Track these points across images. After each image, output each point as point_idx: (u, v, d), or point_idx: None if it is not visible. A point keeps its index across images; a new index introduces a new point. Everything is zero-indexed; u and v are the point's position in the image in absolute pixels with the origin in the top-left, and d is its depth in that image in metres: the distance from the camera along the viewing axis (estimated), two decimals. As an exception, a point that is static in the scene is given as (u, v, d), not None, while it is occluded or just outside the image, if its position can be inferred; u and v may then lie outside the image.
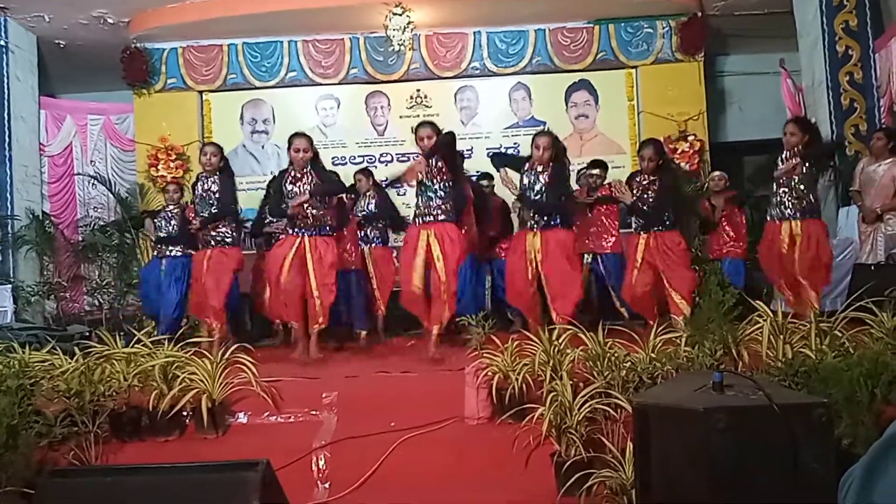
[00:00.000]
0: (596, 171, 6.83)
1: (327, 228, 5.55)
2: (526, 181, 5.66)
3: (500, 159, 6.14)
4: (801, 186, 5.43)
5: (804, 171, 5.43)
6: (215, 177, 5.81)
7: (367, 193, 6.76)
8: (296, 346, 5.67)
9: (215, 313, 5.67)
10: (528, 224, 5.73)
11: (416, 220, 5.41)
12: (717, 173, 7.29)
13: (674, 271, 5.57)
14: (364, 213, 6.65)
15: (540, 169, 5.60)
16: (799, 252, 5.37)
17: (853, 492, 1.00)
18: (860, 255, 6.30)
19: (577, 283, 5.68)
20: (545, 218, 5.58)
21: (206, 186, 5.80)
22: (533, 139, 5.67)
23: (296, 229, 5.46)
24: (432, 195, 5.31)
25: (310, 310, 5.45)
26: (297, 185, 5.46)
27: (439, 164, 5.32)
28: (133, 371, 4.12)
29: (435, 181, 5.32)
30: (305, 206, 5.37)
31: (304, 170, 5.45)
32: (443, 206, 5.31)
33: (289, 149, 5.53)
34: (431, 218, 5.31)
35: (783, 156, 5.49)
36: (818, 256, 5.40)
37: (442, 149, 5.28)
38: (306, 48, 8.72)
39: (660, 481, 2.41)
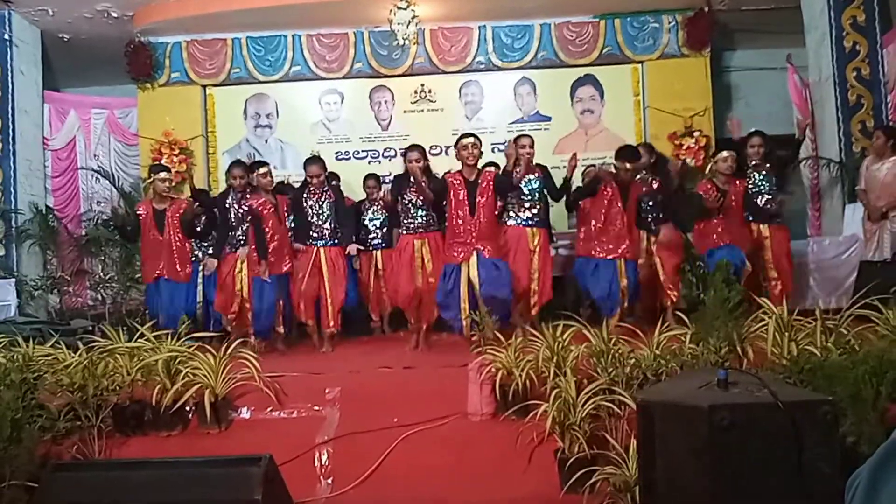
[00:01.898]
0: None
1: (337, 240, 6.18)
2: (527, 186, 5.97)
3: (503, 188, 5.90)
4: (768, 192, 6.01)
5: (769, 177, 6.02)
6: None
7: (378, 200, 6.95)
8: (311, 340, 6.26)
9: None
10: (521, 219, 5.99)
11: (412, 230, 5.95)
12: (725, 153, 6.28)
13: (669, 263, 6.09)
14: (377, 220, 6.91)
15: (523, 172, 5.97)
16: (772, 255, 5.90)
17: (860, 494, 0.98)
18: (865, 253, 6.27)
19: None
20: (539, 216, 6.02)
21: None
22: (517, 140, 5.97)
23: (312, 241, 6.10)
24: (422, 210, 5.92)
25: (322, 315, 6.09)
26: (317, 201, 6.13)
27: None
28: (136, 366, 4.12)
29: (421, 199, 5.88)
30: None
31: (322, 189, 6.14)
32: (432, 219, 6.01)
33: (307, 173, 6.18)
34: (423, 230, 5.95)
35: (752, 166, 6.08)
36: (787, 261, 6.00)
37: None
38: (310, 42, 8.69)
39: (663, 478, 2.40)
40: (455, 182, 5.71)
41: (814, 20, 7.89)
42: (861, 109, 7.51)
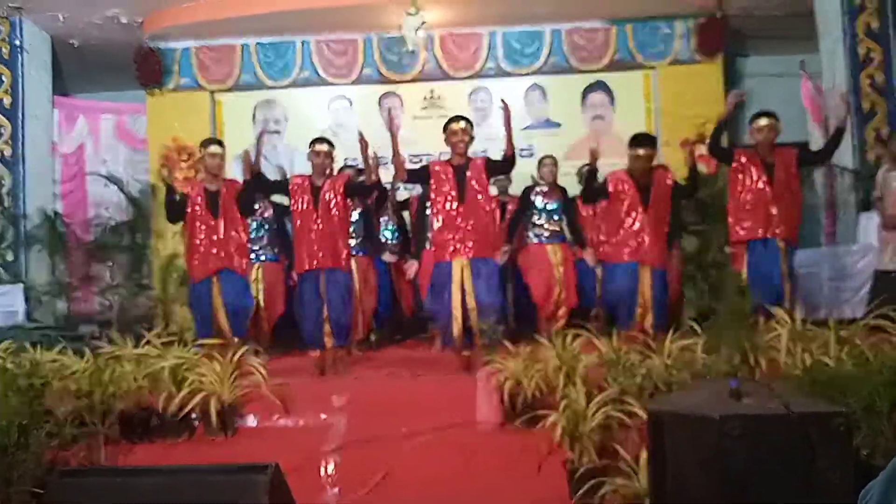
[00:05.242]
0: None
1: (366, 249, 6.26)
2: (541, 204, 6.33)
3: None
4: None
5: None
6: (267, 202, 6.41)
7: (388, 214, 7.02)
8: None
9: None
10: (541, 237, 6.31)
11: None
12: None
13: None
14: (389, 231, 6.93)
15: (547, 190, 6.35)
16: None
17: (872, 507, 0.96)
18: (880, 262, 6.18)
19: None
20: (558, 233, 6.30)
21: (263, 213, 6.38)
22: (541, 161, 6.44)
23: None
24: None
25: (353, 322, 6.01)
26: None
27: None
28: (143, 372, 4.12)
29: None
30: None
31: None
32: None
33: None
34: None
35: None
36: None
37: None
38: (319, 48, 8.69)
39: (674, 490, 2.37)
40: (438, 168, 5.14)
41: (827, 26, 7.83)
42: (875, 117, 7.44)
